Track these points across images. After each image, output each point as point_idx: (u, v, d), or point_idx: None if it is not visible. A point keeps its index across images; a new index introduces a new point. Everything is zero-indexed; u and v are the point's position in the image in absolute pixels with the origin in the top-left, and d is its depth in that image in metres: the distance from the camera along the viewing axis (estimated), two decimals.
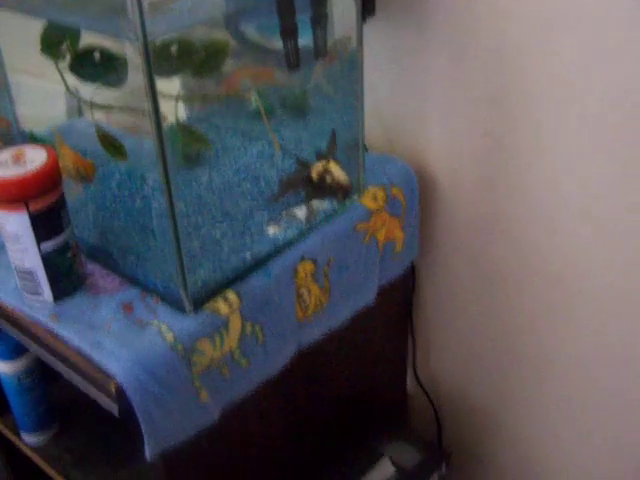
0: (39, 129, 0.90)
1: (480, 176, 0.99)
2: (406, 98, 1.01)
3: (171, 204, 0.71)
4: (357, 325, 1.00)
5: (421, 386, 1.22)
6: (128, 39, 0.63)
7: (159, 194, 0.71)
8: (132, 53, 0.64)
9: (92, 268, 0.86)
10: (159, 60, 0.73)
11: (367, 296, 0.99)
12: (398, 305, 1.12)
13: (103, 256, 0.86)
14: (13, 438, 1.14)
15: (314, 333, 0.92)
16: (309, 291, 0.88)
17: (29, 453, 1.11)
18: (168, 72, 0.76)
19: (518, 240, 1.00)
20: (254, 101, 0.96)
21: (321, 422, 1.07)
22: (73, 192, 0.85)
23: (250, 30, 0.92)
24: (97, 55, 0.72)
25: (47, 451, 1.10)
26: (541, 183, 0.94)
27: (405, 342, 1.19)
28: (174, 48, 0.75)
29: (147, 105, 0.65)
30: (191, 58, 0.78)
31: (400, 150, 1.05)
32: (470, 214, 1.03)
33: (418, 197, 1.02)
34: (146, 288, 0.81)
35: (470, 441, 1.24)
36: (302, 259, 0.86)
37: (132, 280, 0.83)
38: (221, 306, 0.79)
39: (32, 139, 0.89)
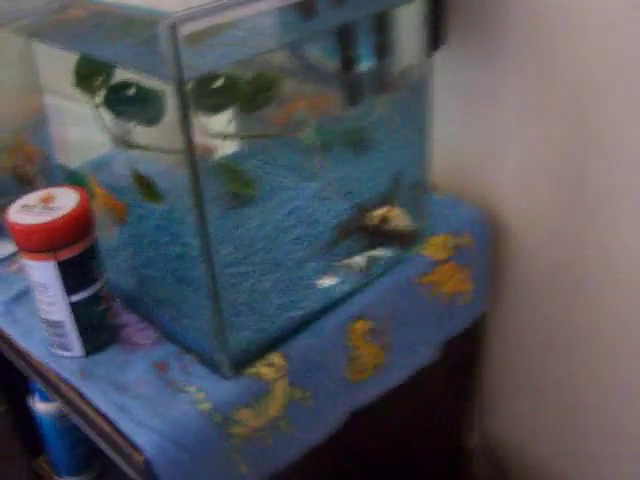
0: (75, 163, 0.83)
1: (561, 226, 0.87)
2: (480, 135, 0.91)
3: (208, 253, 0.62)
4: (416, 381, 0.89)
5: (486, 446, 1.11)
6: (162, 78, 0.54)
7: (196, 241, 0.63)
8: (167, 92, 0.56)
9: (128, 319, 0.78)
10: (198, 98, 0.65)
11: (429, 353, 0.88)
12: (462, 358, 1.02)
13: (140, 306, 0.78)
14: None
15: (368, 395, 0.82)
16: (364, 351, 0.79)
17: None
18: (210, 109, 0.68)
19: (600, 303, 0.88)
20: (308, 137, 0.87)
21: None
22: (108, 234, 0.77)
23: (312, 51, 0.84)
24: (131, 91, 0.64)
25: None
26: (633, 241, 0.82)
27: (469, 398, 1.08)
28: (217, 84, 0.66)
29: (182, 146, 0.57)
30: (237, 94, 0.70)
31: (470, 192, 0.94)
32: (548, 268, 0.91)
33: (489, 245, 0.91)
34: (184, 346, 0.73)
35: None
36: (358, 317, 0.77)
37: (169, 335, 0.74)
38: (265, 370, 0.70)
39: (68, 173, 0.82)
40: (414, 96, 0.81)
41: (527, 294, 0.96)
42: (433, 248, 0.84)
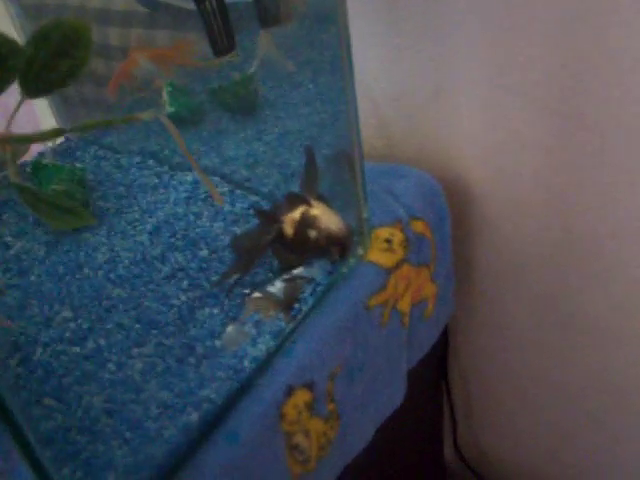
0: None
1: (543, 180, 0.59)
2: (422, 75, 0.60)
3: None
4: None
5: (466, 464, 0.84)
6: None
7: None
8: None
9: None
10: None
11: (395, 394, 0.59)
12: (429, 375, 0.73)
13: None
14: None
15: None
16: (306, 433, 0.49)
17: None
18: None
19: (597, 287, 0.61)
20: (166, 102, 0.54)
21: None
22: None
23: None
24: None
25: None
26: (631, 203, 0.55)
27: (441, 417, 0.80)
28: None
29: None
30: (16, 64, 0.36)
31: (414, 157, 0.63)
32: (528, 239, 0.63)
33: (450, 225, 0.61)
34: None
35: None
36: (291, 390, 0.46)
37: None
38: None
39: None
40: (320, 22, 0.50)
41: (501, 278, 0.68)
42: (378, 251, 0.54)
